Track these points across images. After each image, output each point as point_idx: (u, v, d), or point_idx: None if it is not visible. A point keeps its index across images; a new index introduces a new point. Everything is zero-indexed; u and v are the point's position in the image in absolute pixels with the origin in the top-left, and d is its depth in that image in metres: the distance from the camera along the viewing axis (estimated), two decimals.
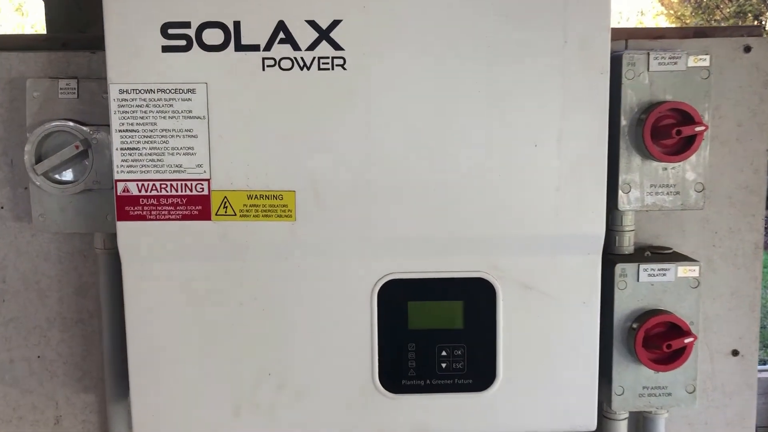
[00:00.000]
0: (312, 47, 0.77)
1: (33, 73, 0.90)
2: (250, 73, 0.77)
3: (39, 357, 0.96)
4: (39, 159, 0.85)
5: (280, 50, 0.77)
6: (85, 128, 0.85)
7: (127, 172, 0.79)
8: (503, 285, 0.81)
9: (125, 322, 0.82)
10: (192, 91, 0.78)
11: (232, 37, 0.77)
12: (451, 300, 0.82)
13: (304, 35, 0.77)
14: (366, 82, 0.77)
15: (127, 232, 0.80)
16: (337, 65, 0.77)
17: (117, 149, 0.78)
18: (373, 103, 0.78)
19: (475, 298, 0.81)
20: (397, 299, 0.81)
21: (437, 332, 0.82)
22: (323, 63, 0.77)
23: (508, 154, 0.78)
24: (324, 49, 0.77)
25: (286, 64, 0.77)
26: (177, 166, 0.79)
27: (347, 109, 0.78)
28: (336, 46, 0.77)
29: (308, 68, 0.77)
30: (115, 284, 0.89)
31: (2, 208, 0.93)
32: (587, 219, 0.80)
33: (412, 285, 0.81)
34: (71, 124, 0.85)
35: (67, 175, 0.87)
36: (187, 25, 0.76)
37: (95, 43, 0.87)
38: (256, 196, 0.79)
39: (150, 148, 0.78)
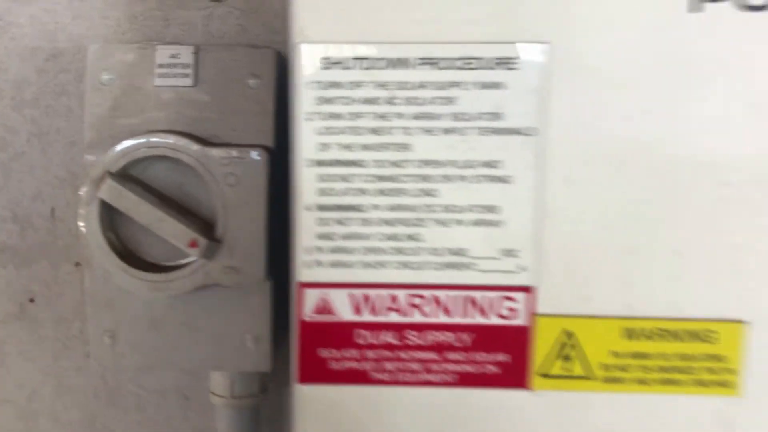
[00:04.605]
0: None
1: (101, 34, 0.45)
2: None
3: None
4: (109, 219, 0.39)
5: None
6: (212, 151, 0.39)
7: (328, 263, 0.32)
8: None
9: None
10: (508, 61, 0.31)
11: None
12: None
13: None
14: None
15: (317, 407, 0.33)
16: None
17: (309, 207, 0.32)
18: None
19: None
20: None
21: None
22: None
23: None
24: None
25: None
26: (456, 251, 0.32)
27: None
28: None
29: None
30: None
31: (32, 301, 0.47)
32: None
33: None
34: (182, 142, 0.38)
35: (161, 251, 0.40)
36: None
37: None
38: (646, 334, 0.32)
39: (389, 206, 0.32)
